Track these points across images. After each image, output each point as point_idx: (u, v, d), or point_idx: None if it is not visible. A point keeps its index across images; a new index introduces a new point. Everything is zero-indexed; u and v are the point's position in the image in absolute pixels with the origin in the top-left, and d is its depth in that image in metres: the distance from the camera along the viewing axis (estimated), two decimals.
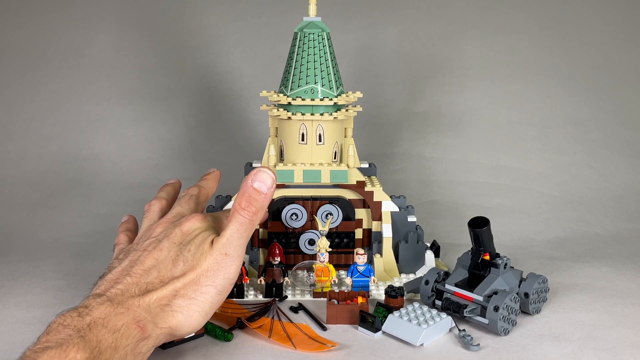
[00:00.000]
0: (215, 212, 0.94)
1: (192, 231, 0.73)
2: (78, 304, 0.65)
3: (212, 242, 0.72)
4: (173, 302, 0.66)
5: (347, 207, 1.08)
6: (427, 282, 0.93)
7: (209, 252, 0.71)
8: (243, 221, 0.73)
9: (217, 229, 0.77)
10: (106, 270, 0.74)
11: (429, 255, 1.09)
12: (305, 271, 1.06)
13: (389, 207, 1.09)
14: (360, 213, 1.10)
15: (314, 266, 1.00)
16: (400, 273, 1.07)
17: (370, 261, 1.03)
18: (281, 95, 1.07)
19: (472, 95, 1.61)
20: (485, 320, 0.86)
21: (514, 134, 1.59)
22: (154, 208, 0.84)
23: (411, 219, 1.10)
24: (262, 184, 0.75)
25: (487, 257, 0.92)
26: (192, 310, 0.66)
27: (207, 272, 0.69)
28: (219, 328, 0.85)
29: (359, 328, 0.87)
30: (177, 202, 0.84)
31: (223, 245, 0.71)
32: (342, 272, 1.07)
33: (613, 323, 0.90)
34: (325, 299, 0.94)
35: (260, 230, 1.09)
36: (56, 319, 0.61)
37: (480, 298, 0.87)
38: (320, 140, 1.07)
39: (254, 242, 1.09)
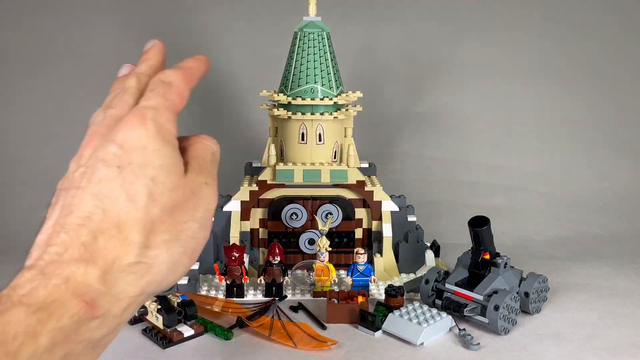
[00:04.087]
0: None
1: (140, 148, 0.40)
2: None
3: (184, 167, 0.41)
4: (146, 254, 0.41)
5: (347, 207, 1.08)
6: (427, 282, 0.93)
7: (183, 181, 0.43)
8: (211, 147, 0.47)
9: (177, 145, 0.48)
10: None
11: (429, 254, 1.09)
12: (305, 270, 1.06)
13: (388, 206, 1.08)
14: (360, 213, 1.10)
15: (314, 266, 1.00)
16: (400, 272, 1.07)
17: (370, 261, 1.03)
18: (281, 94, 1.07)
19: (472, 95, 1.61)
20: (485, 320, 0.86)
21: (514, 134, 1.59)
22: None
23: (411, 218, 1.10)
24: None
25: (487, 257, 0.91)
26: (175, 252, 0.42)
27: (185, 204, 0.44)
28: (219, 327, 0.85)
29: (359, 327, 0.87)
30: (110, 100, 0.47)
31: (200, 173, 0.44)
32: (342, 272, 1.07)
33: (613, 323, 0.90)
34: (325, 298, 0.94)
35: (260, 230, 1.09)
36: None
37: (481, 297, 0.87)
38: (320, 140, 1.07)
39: (254, 242, 1.09)
